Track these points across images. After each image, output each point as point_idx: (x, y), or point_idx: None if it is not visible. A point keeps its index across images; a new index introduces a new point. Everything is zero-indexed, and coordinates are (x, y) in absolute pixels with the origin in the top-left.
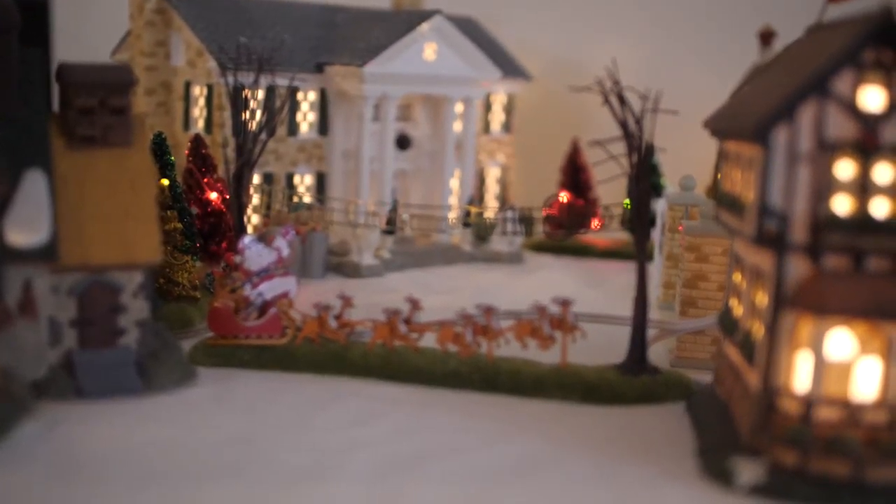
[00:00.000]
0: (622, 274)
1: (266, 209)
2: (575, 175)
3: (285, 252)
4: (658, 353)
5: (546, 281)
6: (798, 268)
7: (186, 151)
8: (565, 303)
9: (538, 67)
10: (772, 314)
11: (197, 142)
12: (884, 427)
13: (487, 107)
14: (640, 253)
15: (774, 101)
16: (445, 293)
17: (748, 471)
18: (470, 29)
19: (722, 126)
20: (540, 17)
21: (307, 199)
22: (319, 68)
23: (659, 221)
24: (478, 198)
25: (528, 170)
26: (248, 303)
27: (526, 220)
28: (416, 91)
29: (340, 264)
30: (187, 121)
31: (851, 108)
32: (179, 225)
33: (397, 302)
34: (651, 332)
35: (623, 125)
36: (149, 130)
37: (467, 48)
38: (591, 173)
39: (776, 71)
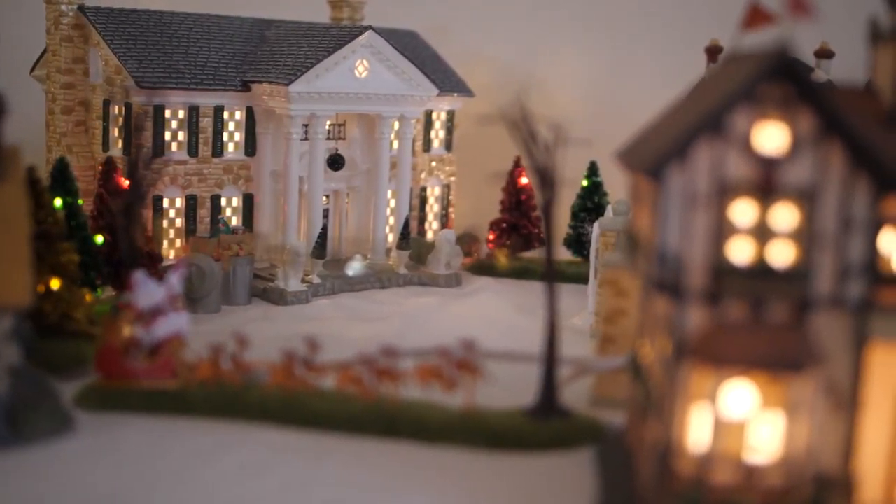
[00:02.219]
0: (563, 297)
1: (188, 234)
2: (517, 195)
3: (177, 289)
4: (579, 391)
5: (479, 307)
6: (695, 315)
7: (97, 175)
8: (469, 344)
9: (486, 82)
10: (668, 364)
11: (108, 165)
12: (781, 489)
13: (428, 124)
14: (548, 292)
15: (671, 138)
16: (373, 321)
17: None
18: (411, 44)
19: (628, 159)
20: (491, 31)
21: (233, 222)
22: (246, 86)
23: (593, 246)
24: (417, 218)
25: (473, 189)
26: (138, 343)
27: (467, 241)
28: (348, 110)
29: (266, 290)
30: (106, 141)
31: (749, 148)
32: (75, 257)
33: (320, 331)
34: (567, 370)
35: (531, 157)
36: (52, 156)
37: (402, 64)
38: (533, 192)
39: (686, 102)
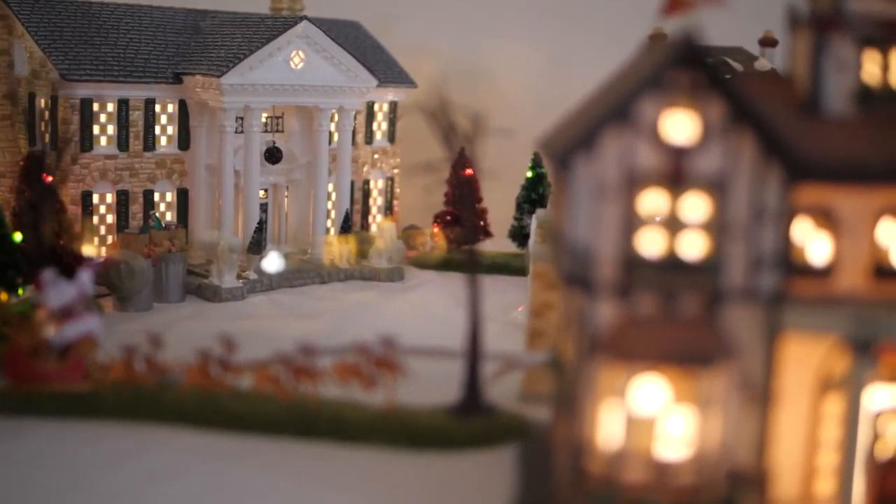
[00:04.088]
0: (506, 290)
1: (119, 231)
2: (461, 186)
3: (88, 288)
4: (510, 387)
5: (419, 301)
6: (606, 309)
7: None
8: (388, 341)
9: (432, 72)
10: (578, 359)
11: (31, 160)
12: (694, 486)
13: (370, 116)
14: (471, 286)
15: (578, 127)
16: (308, 318)
17: None
18: (352, 34)
19: (545, 148)
20: (437, 21)
21: (168, 217)
22: (178, 78)
23: (531, 238)
24: (359, 211)
25: (419, 181)
26: (48, 344)
27: (409, 234)
28: (284, 102)
29: (201, 287)
30: (32, 135)
31: (657, 137)
32: None
33: (252, 328)
34: (494, 366)
35: (448, 145)
36: None
37: (340, 55)
38: (479, 184)
39: (602, 90)
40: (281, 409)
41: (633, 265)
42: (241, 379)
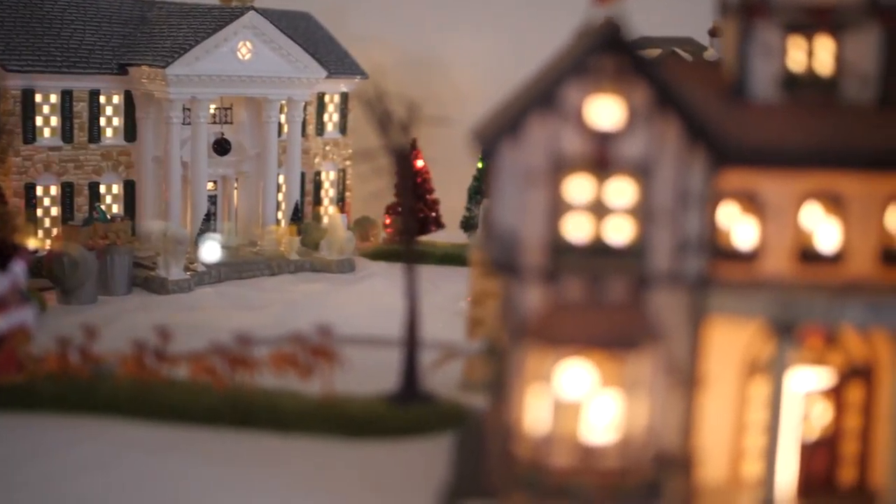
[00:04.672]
0: (457, 281)
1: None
2: (413, 178)
3: (21, 279)
4: (453, 375)
5: (368, 292)
6: (533, 295)
7: None
8: (324, 330)
9: (386, 63)
10: (506, 344)
11: None
12: (620, 469)
13: (321, 107)
14: (408, 273)
15: (503, 114)
16: (255, 309)
17: None
18: (303, 25)
19: (474, 135)
20: (390, 12)
21: (115, 209)
22: (123, 69)
23: (479, 228)
24: (311, 203)
25: (371, 172)
26: None
27: (363, 226)
28: (231, 93)
29: (147, 279)
30: None
31: (582, 123)
32: None
33: (200, 321)
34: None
35: (385, 135)
36: None
37: (288, 46)
38: (430, 175)
39: (534, 76)
40: (217, 400)
41: (559, 250)
42: (177, 370)
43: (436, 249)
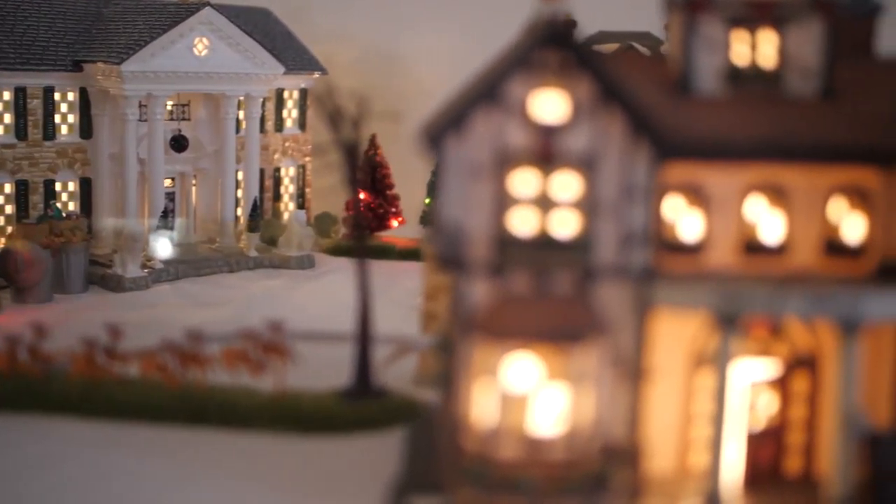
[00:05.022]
0: (417, 276)
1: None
2: (374, 173)
3: None
4: (406, 370)
5: (327, 289)
6: (479, 288)
7: None
8: (276, 326)
9: (348, 59)
10: (454, 338)
11: None
12: (567, 461)
13: (280, 103)
14: (360, 269)
15: (448, 109)
16: (212, 306)
17: None
18: (261, 22)
19: (422, 131)
20: (352, 8)
21: (70, 207)
22: (78, 66)
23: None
24: (271, 199)
25: (332, 168)
26: None
27: (323, 222)
28: (188, 89)
29: (104, 277)
30: None
31: (527, 117)
32: None
33: (156, 318)
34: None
35: (336, 130)
36: None
37: (245, 42)
38: (390, 170)
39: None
40: (169, 397)
41: (505, 244)
42: (128, 367)
43: (395, 245)
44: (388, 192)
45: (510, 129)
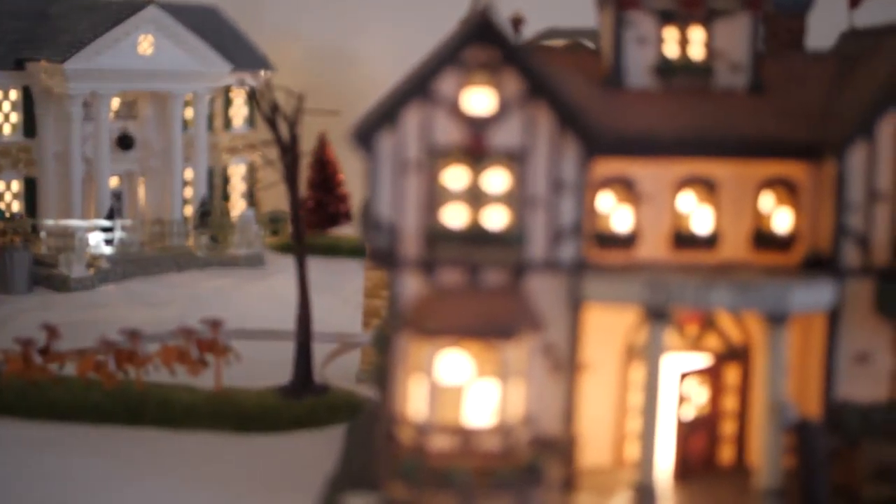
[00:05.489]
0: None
1: None
2: (323, 171)
3: None
4: (350, 367)
5: (276, 287)
6: (411, 285)
7: None
8: (215, 323)
9: (299, 57)
10: (387, 335)
11: None
12: (499, 454)
13: (228, 101)
14: (299, 263)
15: (382, 105)
16: (157, 305)
17: None
18: (209, 19)
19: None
20: (304, 6)
21: (15, 207)
22: (21, 64)
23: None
24: (220, 197)
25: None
26: None
27: (274, 220)
28: (133, 87)
29: (49, 277)
30: None
31: (457, 112)
32: None
33: (100, 318)
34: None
35: (273, 127)
36: None
37: (190, 40)
38: (339, 168)
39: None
40: (106, 396)
41: (437, 239)
42: (65, 367)
43: (345, 242)
44: (337, 189)
45: (441, 125)
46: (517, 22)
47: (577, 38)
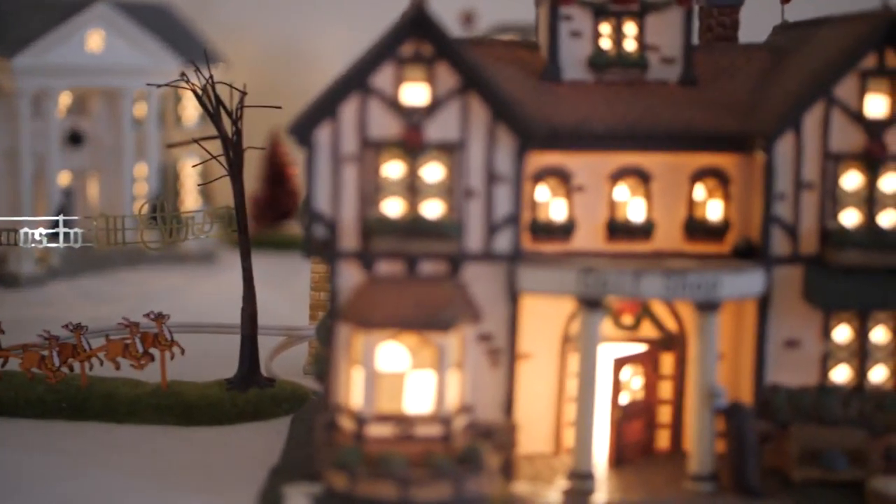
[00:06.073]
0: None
1: None
2: (276, 167)
3: None
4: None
5: (227, 282)
6: (350, 277)
7: None
8: (159, 317)
9: (255, 54)
10: (328, 327)
11: None
12: (437, 442)
13: (178, 98)
14: (244, 257)
15: (319, 100)
16: (109, 302)
17: (294, 499)
18: (159, 16)
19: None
20: (258, 3)
21: None
22: None
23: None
24: (172, 193)
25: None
26: None
27: (228, 216)
28: (82, 84)
29: None
30: None
31: (394, 105)
32: None
33: (49, 315)
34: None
35: (215, 122)
36: None
37: (140, 36)
38: (291, 164)
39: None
40: (49, 391)
41: (374, 232)
42: (7, 362)
43: (297, 238)
44: (288, 185)
45: (378, 118)
46: (468, 18)
47: (527, 33)
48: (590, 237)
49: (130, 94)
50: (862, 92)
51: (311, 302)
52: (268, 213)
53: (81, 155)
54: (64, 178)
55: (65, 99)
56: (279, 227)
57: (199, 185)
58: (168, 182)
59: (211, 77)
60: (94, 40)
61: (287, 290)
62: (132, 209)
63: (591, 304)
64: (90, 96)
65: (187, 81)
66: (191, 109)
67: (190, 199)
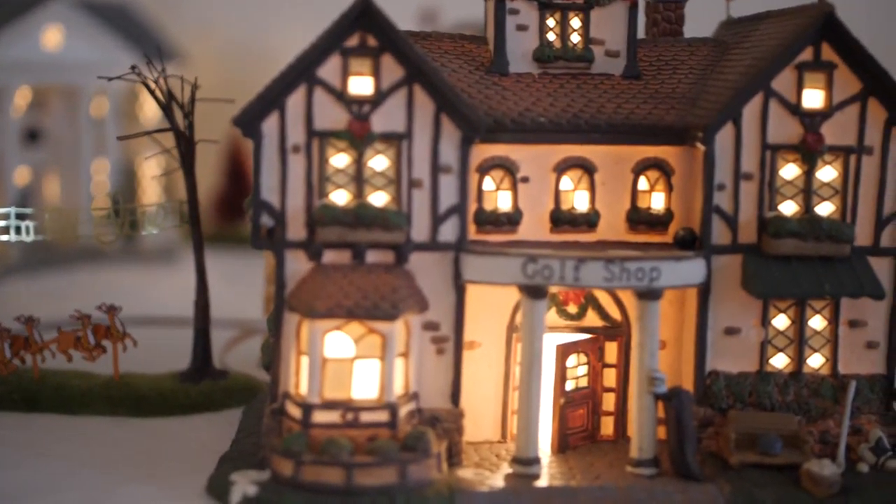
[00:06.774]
0: None
1: None
2: (236, 163)
3: None
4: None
5: (185, 279)
6: (297, 267)
7: None
8: (111, 309)
9: (218, 51)
10: (275, 317)
11: None
12: (383, 429)
13: (139, 93)
14: (196, 250)
15: (265, 92)
16: (67, 298)
17: (241, 485)
18: (120, 13)
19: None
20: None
21: None
22: None
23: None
24: (133, 189)
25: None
26: None
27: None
28: (40, 80)
29: None
30: None
31: (341, 96)
32: None
33: (7, 312)
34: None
35: (168, 115)
36: None
37: (99, 33)
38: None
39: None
40: (1, 383)
41: (321, 222)
42: None
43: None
44: (248, 179)
45: (324, 110)
46: (429, 15)
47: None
48: (535, 227)
49: (89, 92)
50: (799, 85)
51: (265, 294)
52: (228, 209)
53: (39, 151)
54: (22, 175)
55: (23, 96)
56: (239, 222)
57: (153, 177)
58: (126, 177)
59: (163, 70)
60: (52, 37)
61: (244, 284)
62: (92, 205)
63: (533, 292)
64: (49, 93)
65: (139, 74)
66: (150, 106)
67: (149, 194)
